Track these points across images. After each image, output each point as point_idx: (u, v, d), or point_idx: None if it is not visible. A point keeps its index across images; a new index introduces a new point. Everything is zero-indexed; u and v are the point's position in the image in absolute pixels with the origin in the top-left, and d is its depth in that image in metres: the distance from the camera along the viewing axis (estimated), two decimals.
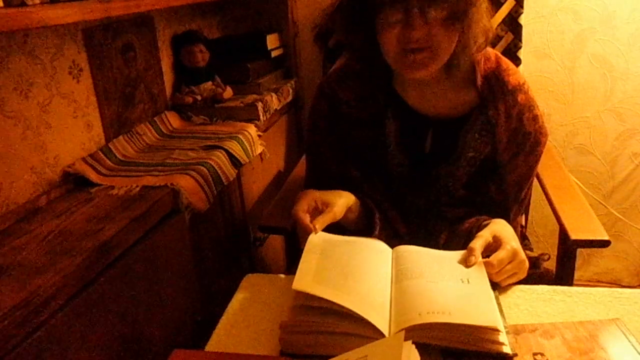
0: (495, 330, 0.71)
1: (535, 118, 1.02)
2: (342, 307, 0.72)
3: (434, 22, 0.89)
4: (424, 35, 0.89)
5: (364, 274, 0.81)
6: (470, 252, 0.85)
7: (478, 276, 0.81)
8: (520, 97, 1.00)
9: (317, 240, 0.89)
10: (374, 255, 0.88)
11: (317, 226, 0.90)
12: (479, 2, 0.90)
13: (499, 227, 0.91)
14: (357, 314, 0.71)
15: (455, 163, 1.03)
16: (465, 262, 0.84)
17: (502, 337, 0.71)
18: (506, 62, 1.03)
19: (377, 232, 1.01)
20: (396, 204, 1.07)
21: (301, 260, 0.81)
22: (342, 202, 0.97)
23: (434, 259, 0.87)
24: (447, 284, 0.79)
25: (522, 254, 0.88)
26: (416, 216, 1.07)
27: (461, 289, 0.78)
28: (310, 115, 1.14)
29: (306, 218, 0.91)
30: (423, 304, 0.74)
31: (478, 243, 0.86)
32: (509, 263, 0.85)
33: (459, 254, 0.88)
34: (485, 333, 0.71)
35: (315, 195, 0.95)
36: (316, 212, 0.94)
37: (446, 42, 0.91)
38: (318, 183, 1.13)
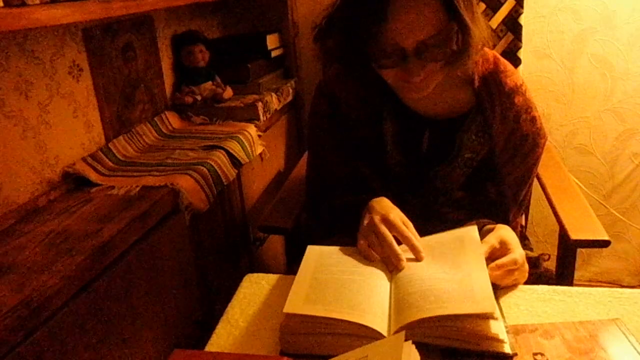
0: (496, 336, 0.71)
1: (533, 120, 1.02)
2: (336, 319, 0.72)
3: (432, 65, 0.89)
4: (423, 77, 0.90)
5: (361, 280, 0.81)
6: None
7: (476, 264, 0.81)
8: (518, 99, 1.00)
9: (313, 254, 0.89)
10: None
11: (422, 254, 0.86)
12: (474, 30, 0.87)
13: (506, 233, 0.91)
14: (352, 322, 0.71)
15: (451, 164, 1.03)
16: None
17: (502, 337, 0.71)
18: (504, 64, 1.03)
19: None
20: (395, 203, 1.07)
21: (294, 282, 0.81)
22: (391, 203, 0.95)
23: (430, 250, 0.87)
24: (445, 276, 0.79)
25: (527, 264, 0.88)
26: (415, 216, 1.07)
27: (458, 279, 0.77)
28: (310, 116, 1.14)
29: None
30: (420, 300, 0.74)
31: (485, 247, 0.86)
32: (515, 270, 0.86)
33: (453, 237, 0.88)
34: (484, 333, 0.71)
35: (400, 215, 0.92)
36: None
37: (445, 73, 0.93)
38: (322, 184, 1.13)
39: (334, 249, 0.90)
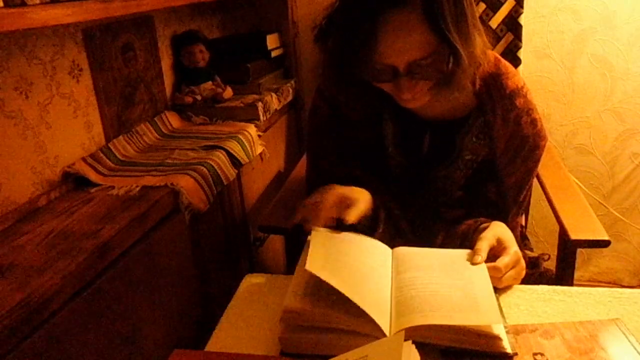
0: (496, 336, 0.71)
1: (533, 122, 1.01)
2: (350, 300, 0.71)
3: (423, 83, 0.89)
4: (414, 93, 0.90)
5: (365, 273, 0.81)
6: (477, 252, 0.85)
7: (479, 275, 0.81)
8: (519, 101, 1.00)
9: (321, 236, 0.88)
10: (374, 256, 0.88)
11: (352, 218, 0.88)
12: (464, 54, 0.84)
13: (502, 230, 0.91)
14: (362, 309, 0.71)
15: (452, 165, 1.03)
16: (471, 261, 0.84)
17: (502, 337, 0.71)
18: (505, 65, 1.03)
19: (380, 230, 1.01)
20: (397, 203, 1.07)
21: (310, 247, 0.80)
22: (366, 198, 0.96)
23: (433, 259, 0.87)
24: (448, 284, 0.79)
25: (523, 261, 0.88)
26: (414, 216, 1.07)
27: (462, 289, 0.78)
28: (310, 117, 1.14)
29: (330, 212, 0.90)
30: (423, 305, 0.74)
31: (484, 244, 0.86)
32: (512, 268, 0.86)
33: (459, 252, 0.88)
34: (485, 332, 0.71)
35: (339, 192, 0.93)
36: (341, 208, 0.92)
37: (436, 92, 0.92)
38: (322, 185, 1.13)
39: (338, 236, 0.90)
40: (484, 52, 0.92)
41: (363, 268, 0.82)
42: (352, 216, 0.90)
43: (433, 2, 0.80)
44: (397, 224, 1.06)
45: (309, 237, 0.88)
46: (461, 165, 1.03)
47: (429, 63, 0.85)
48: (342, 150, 1.08)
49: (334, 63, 0.92)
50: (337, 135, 1.08)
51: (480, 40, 0.89)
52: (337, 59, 0.91)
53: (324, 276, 0.74)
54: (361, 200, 0.94)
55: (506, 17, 1.71)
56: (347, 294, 0.72)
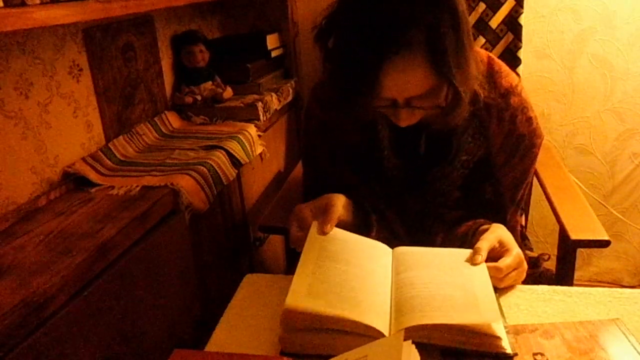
0: (496, 336, 0.71)
1: (529, 120, 1.01)
2: (339, 317, 0.72)
3: (420, 112, 0.89)
4: (411, 121, 0.90)
5: (363, 276, 0.81)
6: (477, 251, 0.85)
7: (479, 275, 0.81)
8: (513, 100, 1.00)
9: (316, 240, 0.88)
10: (373, 257, 0.87)
11: (328, 228, 0.89)
12: (463, 90, 0.85)
13: (503, 233, 0.92)
14: (354, 320, 0.71)
15: (449, 166, 1.03)
16: (471, 261, 0.84)
17: (502, 337, 0.71)
18: (499, 64, 1.02)
19: (374, 234, 1.01)
20: (393, 205, 1.06)
21: (295, 274, 0.80)
22: (338, 200, 0.96)
23: (433, 259, 0.87)
24: (447, 283, 0.79)
25: (525, 263, 0.88)
26: (412, 218, 1.07)
27: (461, 288, 0.78)
28: (304, 119, 1.14)
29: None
30: (423, 304, 0.74)
31: (484, 244, 0.87)
32: (514, 270, 0.86)
33: (459, 252, 0.88)
34: (485, 332, 0.71)
35: (310, 207, 0.94)
36: (318, 215, 0.93)
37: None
38: (315, 187, 1.12)
39: (336, 237, 0.90)
40: (477, 66, 0.91)
41: (359, 272, 0.82)
42: (329, 225, 0.90)
43: (437, 43, 0.80)
44: (391, 227, 1.06)
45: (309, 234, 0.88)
46: (458, 166, 1.03)
47: (428, 97, 0.86)
48: (335, 154, 1.08)
49: (334, 91, 0.92)
50: (330, 138, 1.08)
51: (474, 63, 0.89)
52: (337, 90, 0.90)
53: (307, 306, 0.73)
54: (334, 203, 0.94)
55: (506, 17, 1.71)
56: (336, 314, 0.72)
